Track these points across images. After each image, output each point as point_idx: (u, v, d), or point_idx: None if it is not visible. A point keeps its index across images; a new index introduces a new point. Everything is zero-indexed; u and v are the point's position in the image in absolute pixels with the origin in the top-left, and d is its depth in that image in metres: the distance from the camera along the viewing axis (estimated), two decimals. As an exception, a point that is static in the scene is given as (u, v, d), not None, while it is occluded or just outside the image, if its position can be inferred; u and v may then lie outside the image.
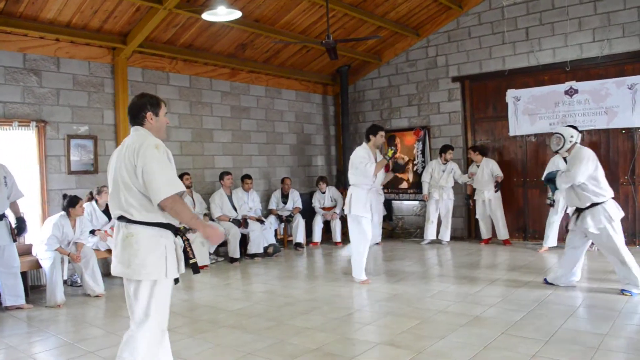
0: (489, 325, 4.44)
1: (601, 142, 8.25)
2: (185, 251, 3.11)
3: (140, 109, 3.10)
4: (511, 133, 8.97)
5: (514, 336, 4.16)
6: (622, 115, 8.01)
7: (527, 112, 8.86)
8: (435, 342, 4.06)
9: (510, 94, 9.04)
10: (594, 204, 5.25)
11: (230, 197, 8.40)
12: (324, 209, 9.67)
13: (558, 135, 5.59)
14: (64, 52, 6.99)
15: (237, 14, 6.28)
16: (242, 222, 8.23)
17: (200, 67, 8.67)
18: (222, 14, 6.29)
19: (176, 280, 3.11)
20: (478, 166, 8.80)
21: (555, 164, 7.43)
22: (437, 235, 9.23)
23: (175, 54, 8.07)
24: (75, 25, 6.80)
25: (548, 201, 7.77)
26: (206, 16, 6.27)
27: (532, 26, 8.81)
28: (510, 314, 4.73)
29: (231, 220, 8.19)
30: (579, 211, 5.42)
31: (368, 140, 6.39)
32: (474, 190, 9.04)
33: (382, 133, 6.41)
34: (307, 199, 9.91)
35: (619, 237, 5.22)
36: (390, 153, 6.26)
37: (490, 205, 8.73)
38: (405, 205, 10.48)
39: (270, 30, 8.25)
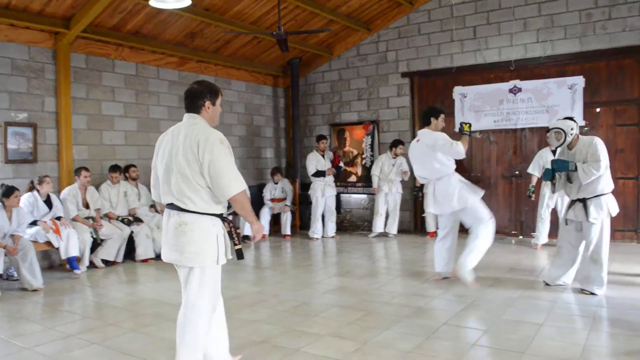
0: (432, 316, 4.54)
1: (542, 139, 8.54)
2: (231, 237, 3.15)
3: (199, 97, 3.11)
4: (456, 129, 9.16)
5: (455, 326, 4.29)
6: (563, 114, 8.29)
7: (473, 108, 9.09)
8: (380, 333, 4.13)
9: (458, 90, 9.25)
10: (599, 195, 5.11)
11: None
12: (273, 200, 9.64)
13: (558, 130, 5.28)
14: (2, 36, 6.65)
15: (186, 2, 6.14)
16: None
17: (148, 55, 8.45)
18: (171, 1, 6.13)
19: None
20: None
21: (543, 157, 7.67)
22: (384, 228, 9.36)
23: (121, 41, 7.83)
24: (15, 7, 6.49)
25: (528, 193, 7.86)
26: (154, 3, 6.10)
27: (480, 25, 9.02)
28: (452, 305, 4.87)
29: None
30: (580, 201, 5.21)
31: (428, 123, 5.79)
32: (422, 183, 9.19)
33: (443, 116, 5.83)
34: (255, 191, 9.83)
35: (607, 233, 5.15)
36: (467, 128, 5.76)
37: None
38: (354, 199, 10.57)
39: (221, 20, 8.11)
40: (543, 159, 7.64)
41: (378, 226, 9.32)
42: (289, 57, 10.26)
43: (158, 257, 7.49)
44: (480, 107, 9.04)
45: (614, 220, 7.95)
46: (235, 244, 3.13)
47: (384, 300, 5.12)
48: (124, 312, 4.94)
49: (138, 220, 7.48)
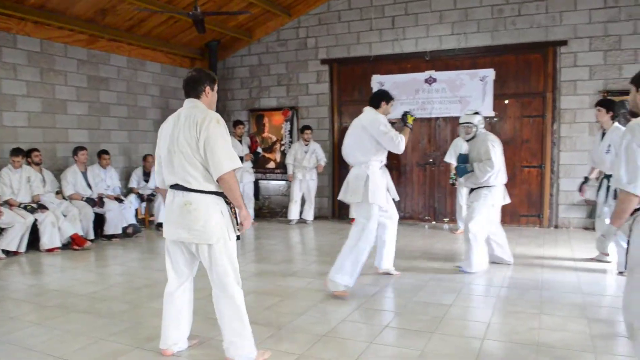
0: (344, 300, 4.60)
1: (455, 128, 8.85)
2: (235, 217, 3.24)
3: (200, 83, 3.25)
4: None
5: (369, 309, 4.37)
6: (474, 104, 8.67)
7: (390, 97, 9.25)
8: (296, 318, 4.13)
9: (376, 79, 9.39)
10: (483, 186, 5.54)
11: (84, 174, 7.82)
12: None
13: (468, 124, 5.62)
14: None
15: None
16: (97, 201, 7.71)
17: (54, 31, 7.92)
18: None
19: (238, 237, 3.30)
20: None
21: (458, 145, 7.93)
22: (300, 215, 9.39)
23: (24, 14, 7.27)
24: None
25: (451, 181, 8.12)
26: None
27: (398, 15, 9.18)
28: (366, 289, 4.96)
29: (84, 199, 7.64)
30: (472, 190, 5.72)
31: (377, 107, 4.98)
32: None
33: (392, 103, 5.11)
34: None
35: (485, 220, 5.52)
36: (411, 120, 5.15)
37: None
38: (272, 185, 10.52)
39: (134, -3, 7.74)
40: (458, 147, 7.95)
41: (293, 213, 9.34)
42: (207, 39, 9.98)
43: (65, 246, 7.10)
44: (397, 96, 9.13)
45: (519, 206, 8.50)
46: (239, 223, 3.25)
47: (300, 286, 5.13)
48: (26, 305, 4.64)
49: (43, 207, 7.03)
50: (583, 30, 8.06)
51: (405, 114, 5.17)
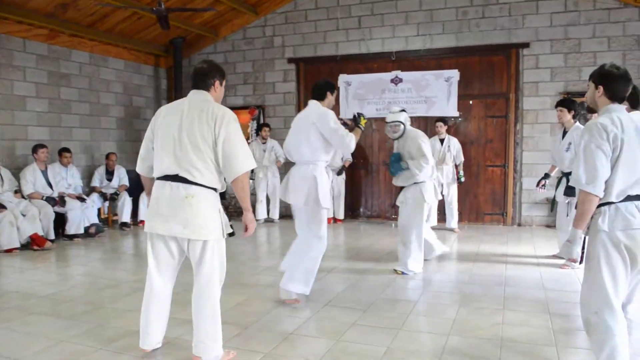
0: (313, 298, 4.58)
1: (420, 128, 8.90)
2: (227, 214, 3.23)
3: (209, 75, 3.17)
4: (341, 116, 9.33)
5: (336, 307, 4.38)
6: (439, 104, 8.79)
7: (357, 97, 9.31)
8: (262, 317, 4.11)
9: (342, 78, 9.42)
10: (414, 183, 5.50)
11: (44, 172, 7.61)
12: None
13: (396, 123, 5.56)
14: None
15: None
16: (57, 200, 7.50)
17: (12, 25, 7.67)
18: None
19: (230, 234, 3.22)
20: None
21: (432, 146, 7.93)
22: (268, 214, 9.35)
23: (-21, 7, 7.05)
24: None
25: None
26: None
27: (364, 15, 9.23)
28: (333, 286, 4.98)
29: (44, 198, 7.43)
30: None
31: (322, 98, 4.58)
32: None
33: (336, 93, 4.76)
34: (135, 175, 9.35)
35: (419, 219, 5.48)
36: (363, 122, 4.78)
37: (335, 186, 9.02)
38: (239, 184, 10.42)
39: (96, -8, 7.57)
40: (432, 147, 8.01)
41: (260, 213, 9.29)
42: (171, 36, 9.84)
43: (24, 246, 6.89)
44: (363, 95, 9.28)
45: (483, 205, 8.65)
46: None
47: (266, 284, 5.11)
48: (-18, 307, 4.49)
49: (1, 206, 6.81)
50: (544, 33, 8.26)
51: (358, 115, 4.84)
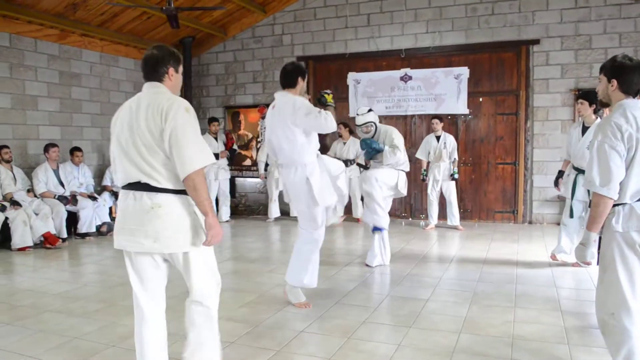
0: (324, 296, 4.60)
1: (430, 126, 8.92)
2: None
3: (162, 63, 2.72)
4: (351, 114, 9.34)
5: (346, 305, 4.38)
6: (449, 102, 8.76)
7: (366, 95, 9.29)
8: (273, 315, 4.12)
9: (351, 76, 9.41)
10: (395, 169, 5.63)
11: (56, 172, 7.67)
12: None
13: (369, 123, 5.58)
14: None
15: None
16: (70, 199, 7.56)
17: (24, 25, 7.73)
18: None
19: None
20: (345, 144, 8.94)
21: (429, 143, 8.11)
22: (281, 213, 9.37)
23: (-9, 8, 7.11)
24: None
25: (422, 177, 8.22)
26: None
27: (373, 13, 9.21)
28: (344, 285, 4.97)
29: (56, 197, 7.49)
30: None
31: (293, 85, 4.19)
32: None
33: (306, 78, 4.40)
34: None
35: (384, 210, 5.66)
36: (330, 99, 4.35)
37: (350, 184, 8.97)
38: (249, 183, 10.46)
39: (106, -9, 7.61)
40: (429, 144, 8.04)
41: (274, 211, 9.30)
42: (181, 35, 9.87)
43: (36, 245, 6.96)
44: (372, 93, 9.27)
45: (494, 203, 8.62)
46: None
47: (277, 283, 5.10)
48: (-4, 305, 4.54)
49: (16, 203, 6.87)
50: (555, 30, 8.20)
51: (321, 95, 4.38)
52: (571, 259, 5.45)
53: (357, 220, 8.98)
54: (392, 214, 9.24)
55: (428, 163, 8.16)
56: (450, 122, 8.81)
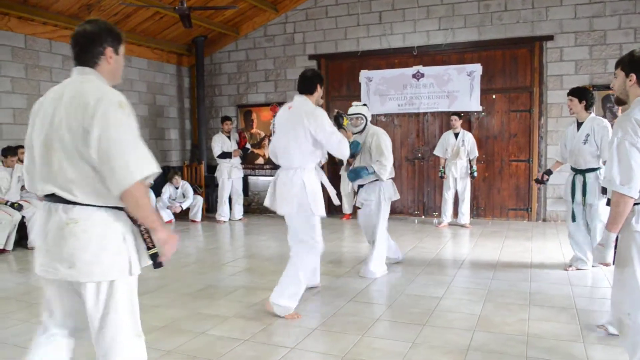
0: (338, 294, 4.61)
1: (443, 123, 8.90)
2: (143, 239, 2.17)
3: (96, 41, 2.14)
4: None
5: (360, 302, 4.38)
6: (462, 99, 8.72)
7: (378, 92, 9.27)
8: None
9: (364, 74, 9.39)
10: (374, 180, 5.28)
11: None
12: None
13: (358, 115, 5.32)
14: None
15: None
16: None
17: (39, 26, 7.82)
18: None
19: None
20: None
21: (446, 139, 8.11)
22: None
23: (7, 10, 7.18)
24: None
25: (440, 174, 8.23)
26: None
27: (385, 11, 9.19)
28: (358, 283, 4.97)
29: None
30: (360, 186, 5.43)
31: (312, 91, 4.16)
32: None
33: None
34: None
35: (383, 217, 5.29)
36: (346, 122, 4.74)
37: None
38: (262, 181, 10.49)
39: (119, -8, 7.67)
40: (447, 141, 8.03)
41: None
42: (193, 34, 9.93)
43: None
44: (385, 91, 9.24)
45: (507, 200, 8.57)
46: (149, 247, 2.16)
47: (291, 281, 5.12)
48: (14, 303, 4.59)
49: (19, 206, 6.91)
50: (569, 25, 8.13)
51: (339, 115, 4.60)
52: (588, 266, 5.29)
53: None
54: (405, 212, 9.30)
55: (445, 160, 8.15)
56: (463, 120, 8.76)
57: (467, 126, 8.70)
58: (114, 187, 1.99)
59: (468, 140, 8.00)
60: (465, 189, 8.06)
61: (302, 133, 3.96)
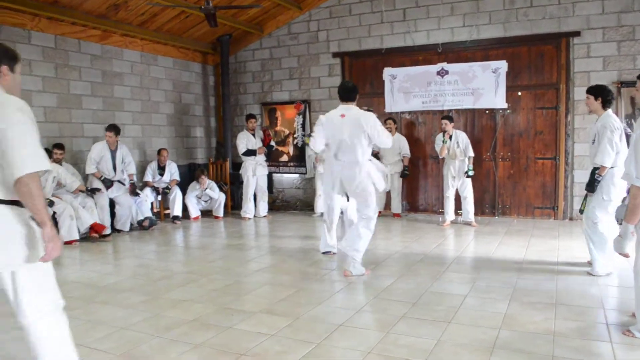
0: (362, 291, 4.65)
1: (467, 121, 8.85)
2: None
3: None
4: (387, 110, 9.32)
5: (385, 300, 4.40)
6: (487, 96, 8.65)
7: (403, 90, 9.25)
8: (313, 309, 4.17)
9: (387, 72, 9.37)
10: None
11: (113, 153, 8.06)
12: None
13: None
14: None
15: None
16: (130, 188, 8.15)
17: (68, 26, 8.00)
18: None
19: None
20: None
21: (437, 143, 8.13)
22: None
23: (38, 10, 7.35)
24: None
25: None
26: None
27: (409, 8, 9.16)
28: (382, 280, 4.99)
29: (102, 178, 7.81)
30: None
31: (353, 100, 5.33)
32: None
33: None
34: (185, 170, 9.65)
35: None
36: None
37: (392, 181, 8.94)
38: (286, 178, 10.56)
39: (147, -8, 7.79)
40: (437, 145, 8.11)
41: (320, 206, 9.30)
42: (218, 33, 10.03)
43: (83, 238, 7.21)
44: (409, 88, 9.22)
45: (533, 198, 8.49)
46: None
47: (316, 278, 5.17)
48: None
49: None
50: (596, 21, 8.00)
51: (368, 110, 5.42)
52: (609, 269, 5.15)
53: (395, 215, 9.03)
54: (429, 209, 9.26)
55: (443, 159, 8.23)
56: (489, 117, 8.71)
57: (493, 123, 8.65)
58: (9, 175, 2.32)
59: (462, 140, 7.93)
60: (465, 187, 8.02)
61: (363, 135, 5.05)
